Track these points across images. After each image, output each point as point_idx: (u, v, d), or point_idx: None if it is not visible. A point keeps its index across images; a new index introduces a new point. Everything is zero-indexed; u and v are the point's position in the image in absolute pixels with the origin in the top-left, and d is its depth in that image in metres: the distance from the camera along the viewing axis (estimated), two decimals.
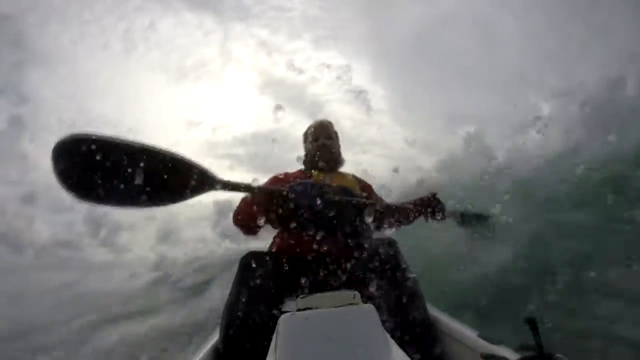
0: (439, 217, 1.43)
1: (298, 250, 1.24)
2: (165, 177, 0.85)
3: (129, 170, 0.80)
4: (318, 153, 1.54)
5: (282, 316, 0.71)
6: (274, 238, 1.39)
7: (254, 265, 1.07)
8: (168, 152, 0.88)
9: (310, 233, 1.14)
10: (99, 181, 0.79)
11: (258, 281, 1.03)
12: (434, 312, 1.11)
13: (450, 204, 1.51)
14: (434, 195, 1.46)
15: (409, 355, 0.69)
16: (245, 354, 0.90)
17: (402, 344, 0.75)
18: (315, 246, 1.19)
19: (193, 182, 0.90)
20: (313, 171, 1.53)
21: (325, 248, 1.23)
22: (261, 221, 1.21)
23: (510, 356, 0.75)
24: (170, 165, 0.87)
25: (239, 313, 0.96)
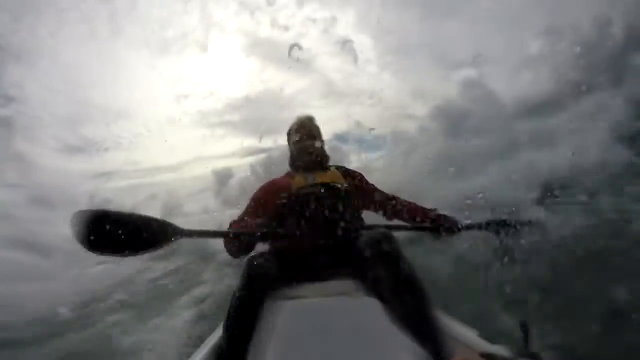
0: (453, 232, 1.31)
1: (296, 244, 1.29)
2: (143, 233, 1.07)
3: (126, 231, 1.05)
4: (302, 154, 1.54)
5: (276, 305, 0.70)
6: None
7: (260, 266, 1.09)
8: (145, 216, 1.11)
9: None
10: (108, 242, 1.04)
11: (264, 282, 1.06)
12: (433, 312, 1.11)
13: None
14: (440, 215, 1.38)
15: (407, 344, 0.70)
16: (249, 350, 0.91)
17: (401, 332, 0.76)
18: (312, 240, 1.27)
19: (163, 234, 1.11)
20: (298, 172, 1.53)
21: (321, 241, 1.28)
22: (249, 251, 1.30)
23: (510, 356, 0.75)
24: (146, 224, 1.10)
25: (244, 312, 0.99)
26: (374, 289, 1.04)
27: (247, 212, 1.44)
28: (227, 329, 1.01)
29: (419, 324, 0.91)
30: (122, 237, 1.04)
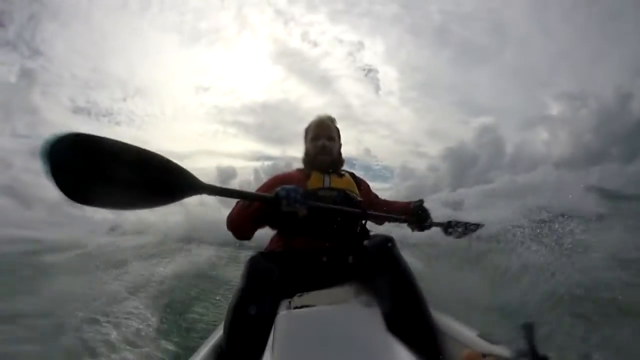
0: (425, 227, 1.48)
1: (296, 248, 1.27)
2: (157, 179, 0.87)
3: (125, 172, 0.79)
4: (318, 154, 1.51)
5: (279, 314, 0.70)
6: (272, 238, 1.41)
7: (261, 267, 1.08)
8: (159, 155, 0.88)
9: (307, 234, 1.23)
10: (96, 184, 0.76)
11: (265, 282, 1.04)
12: (433, 312, 1.08)
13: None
14: (420, 204, 1.49)
15: (408, 353, 0.69)
16: (249, 350, 0.90)
17: (401, 342, 0.75)
18: (313, 244, 1.25)
19: (182, 185, 0.93)
20: (313, 172, 1.50)
21: (322, 246, 1.26)
22: (254, 229, 1.29)
23: (510, 356, 0.73)
24: (162, 168, 0.89)
25: (245, 312, 0.97)
26: (374, 294, 1.02)
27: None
28: (227, 329, 0.98)
29: (418, 330, 0.91)
30: (125, 181, 0.78)
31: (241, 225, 1.29)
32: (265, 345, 0.81)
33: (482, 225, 1.77)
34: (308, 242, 1.27)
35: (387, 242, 1.11)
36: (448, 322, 1.04)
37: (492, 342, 0.87)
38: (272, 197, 1.09)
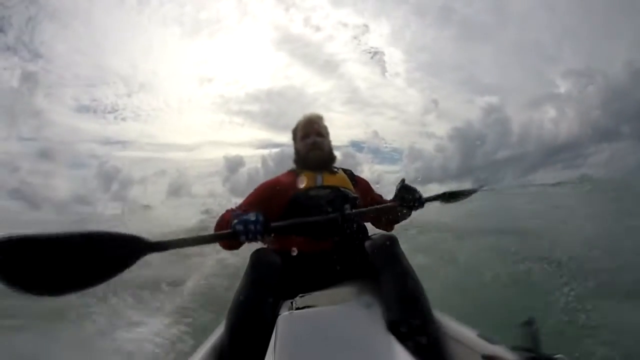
0: (415, 206, 1.31)
1: (296, 249, 1.24)
2: (99, 255, 0.84)
3: (66, 259, 0.79)
4: (310, 151, 1.49)
5: (281, 315, 0.70)
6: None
7: (264, 263, 1.07)
8: (97, 232, 0.86)
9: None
10: (40, 277, 0.77)
11: (268, 278, 1.03)
12: (434, 312, 1.08)
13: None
14: (402, 184, 1.35)
15: (409, 353, 0.68)
16: (251, 349, 0.90)
17: (402, 342, 0.74)
18: (312, 246, 1.23)
19: (127, 252, 0.89)
20: (304, 171, 1.47)
21: (323, 247, 1.24)
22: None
23: (510, 356, 0.74)
24: (103, 243, 0.86)
25: (247, 309, 0.96)
26: (376, 294, 1.01)
27: (246, 204, 1.38)
28: (229, 328, 0.97)
29: (419, 330, 0.89)
30: (69, 266, 0.79)
31: (227, 249, 1.28)
32: (267, 346, 0.80)
33: (480, 188, 1.77)
34: (307, 244, 1.25)
35: (388, 241, 1.09)
36: (448, 322, 1.03)
37: (492, 342, 0.86)
38: (230, 233, 1.01)
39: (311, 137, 1.51)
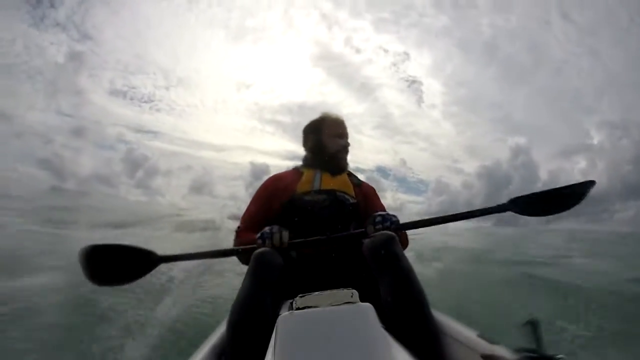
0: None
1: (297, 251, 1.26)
2: (128, 263, 1.22)
3: (116, 263, 1.21)
4: (339, 152, 1.49)
5: (280, 316, 0.71)
6: None
7: (266, 263, 1.07)
8: (130, 246, 1.23)
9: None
10: (106, 273, 1.22)
11: (269, 278, 1.03)
12: (433, 312, 1.07)
13: None
14: (379, 213, 1.24)
15: (409, 354, 0.68)
16: (251, 349, 0.90)
17: (401, 342, 0.75)
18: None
19: (143, 263, 1.22)
20: (305, 171, 1.47)
21: (324, 247, 1.23)
22: None
23: (510, 356, 0.74)
24: (130, 254, 1.23)
25: (248, 308, 0.97)
26: (376, 294, 1.00)
27: (250, 212, 1.44)
28: (231, 326, 0.97)
29: (418, 330, 0.90)
30: (113, 268, 1.19)
31: (242, 261, 1.29)
32: (267, 346, 0.81)
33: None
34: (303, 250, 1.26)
35: (388, 241, 1.07)
36: (448, 322, 1.03)
37: (492, 342, 0.86)
38: (253, 247, 1.15)
39: (344, 139, 1.51)
